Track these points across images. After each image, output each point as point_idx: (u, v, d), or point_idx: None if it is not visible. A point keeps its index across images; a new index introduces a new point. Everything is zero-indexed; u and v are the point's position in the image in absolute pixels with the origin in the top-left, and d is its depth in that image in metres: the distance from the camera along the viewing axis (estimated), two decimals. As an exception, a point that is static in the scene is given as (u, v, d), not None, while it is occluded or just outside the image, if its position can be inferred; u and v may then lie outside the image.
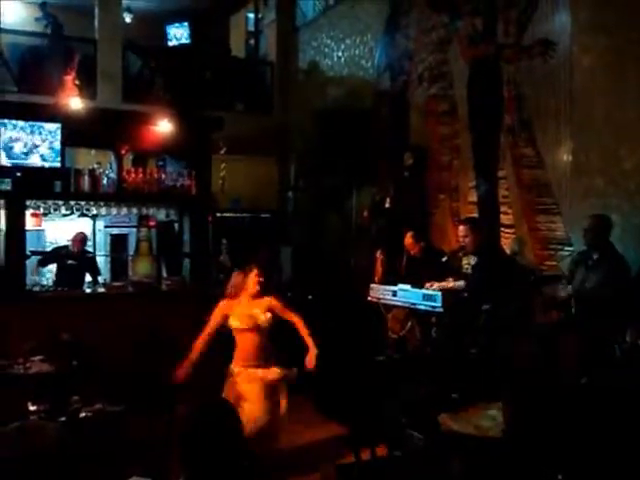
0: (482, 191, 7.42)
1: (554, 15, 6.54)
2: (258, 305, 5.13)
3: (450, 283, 6.41)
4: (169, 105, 8.35)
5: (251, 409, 4.84)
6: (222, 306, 5.16)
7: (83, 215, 7.91)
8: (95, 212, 7.79)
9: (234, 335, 5.10)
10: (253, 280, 5.16)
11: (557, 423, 3.85)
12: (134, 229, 9.47)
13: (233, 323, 5.06)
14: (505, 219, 7.11)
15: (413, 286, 6.43)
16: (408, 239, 7.15)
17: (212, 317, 5.15)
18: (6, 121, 6.78)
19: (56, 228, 9.63)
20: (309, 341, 5.17)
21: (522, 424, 3.60)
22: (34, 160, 6.91)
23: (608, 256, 5.39)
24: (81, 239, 8.23)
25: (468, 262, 6.64)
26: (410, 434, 4.30)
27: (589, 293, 5.34)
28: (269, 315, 5.10)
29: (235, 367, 5.08)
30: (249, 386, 4.99)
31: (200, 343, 5.11)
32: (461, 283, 6.34)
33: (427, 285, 6.38)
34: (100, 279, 8.16)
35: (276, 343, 5.22)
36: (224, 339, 5.22)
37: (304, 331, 5.18)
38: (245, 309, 5.10)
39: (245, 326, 5.04)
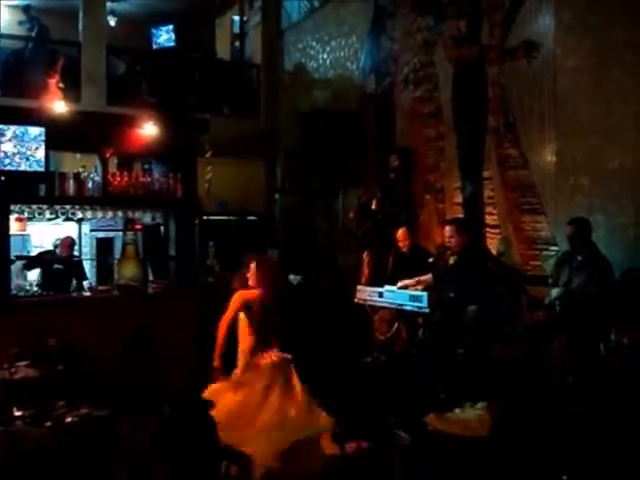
0: (467, 192, 7.45)
1: (538, 17, 6.58)
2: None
3: (427, 280, 6.46)
4: (154, 108, 8.31)
5: None
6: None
7: (68, 219, 7.88)
8: (80, 216, 7.76)
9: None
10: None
11: (544, 422, 3.87)
12: (120, 233, 9.41)
13: None
14: (490, 219, 7.14)
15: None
16: (400, 233, 7.17)
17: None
18: (-11, 125, 6.74)
19: (41, 232, 9.56)
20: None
21: (509, 423, 3.61)
22: (18, 164, 6.86)
23: (592, 257, 5.43)
24: (69, 243, 8.18)
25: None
26: (397, 434, 4.31)
27: (574, 293, 5.37)
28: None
29: None
30: None
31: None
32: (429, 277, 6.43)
33: (401, 282, 6.46)
34: (86, 283, 8.11)
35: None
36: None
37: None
38: None
39: None
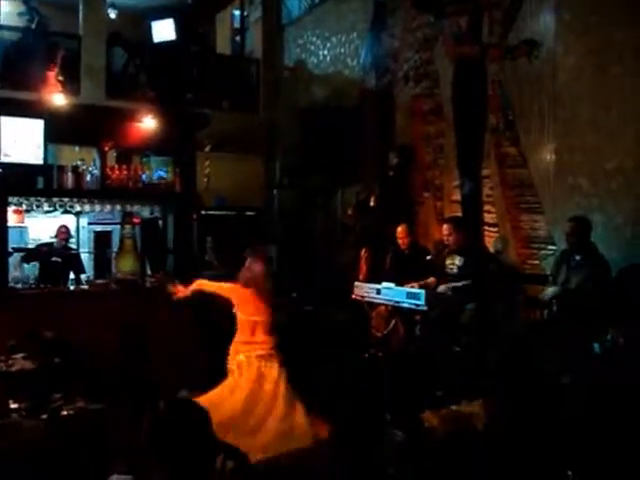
0: (466, 190, 7.45)
1: (539, 15, 6.58)
2: None
3: (432, 283, 6.43)
4: (154, 102, 8.31)
5: None
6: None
7: (66, 212, 7.87)
8: (78, 209, 7.76)
9: None
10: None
11: (539, 421, 3.87)
12: (118, 226, 9.41)
13: None
14: (489, 218, 7.14)
15: (398, 283, 6.45)
16: (400, 230, 7.17)
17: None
18: (-12, 117, 6.72)
19: (39, 225, 9.56)
20: None
21: (504, 421, 3.62)
22: (16, 156, 6.85)
23: (590, 257, 5.43)
24: (65, 230, 8.20)
25: (452, 262, 6.65)
26: (393, 432, 4.31)
27: (572, 292, 5.38)
28: None
29: None
30: None
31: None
32: (457, 284, 6.36)
33: (408, 286, 6.40)
34: (84, 276, 8.11)
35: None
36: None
37: None
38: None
39: None
